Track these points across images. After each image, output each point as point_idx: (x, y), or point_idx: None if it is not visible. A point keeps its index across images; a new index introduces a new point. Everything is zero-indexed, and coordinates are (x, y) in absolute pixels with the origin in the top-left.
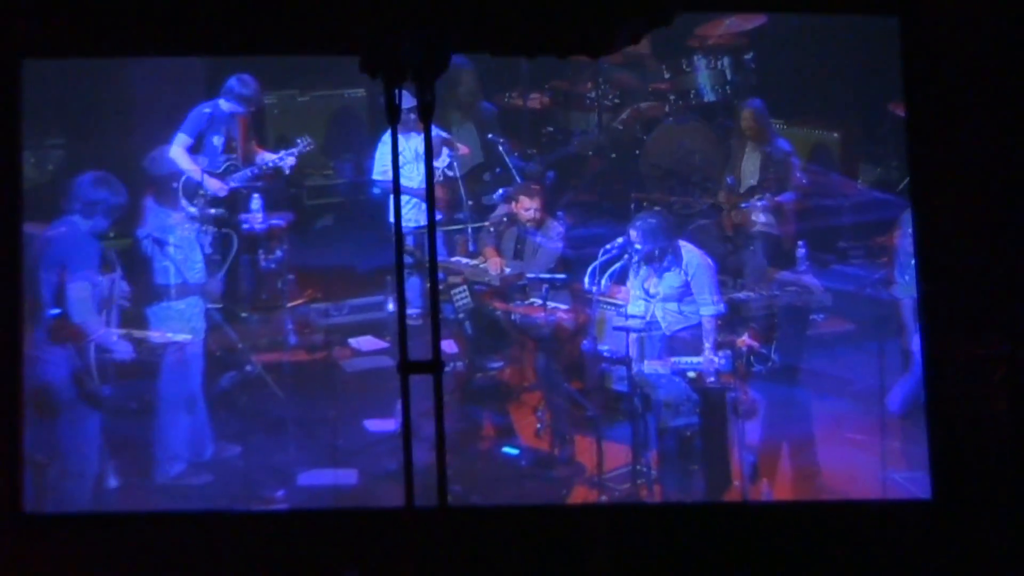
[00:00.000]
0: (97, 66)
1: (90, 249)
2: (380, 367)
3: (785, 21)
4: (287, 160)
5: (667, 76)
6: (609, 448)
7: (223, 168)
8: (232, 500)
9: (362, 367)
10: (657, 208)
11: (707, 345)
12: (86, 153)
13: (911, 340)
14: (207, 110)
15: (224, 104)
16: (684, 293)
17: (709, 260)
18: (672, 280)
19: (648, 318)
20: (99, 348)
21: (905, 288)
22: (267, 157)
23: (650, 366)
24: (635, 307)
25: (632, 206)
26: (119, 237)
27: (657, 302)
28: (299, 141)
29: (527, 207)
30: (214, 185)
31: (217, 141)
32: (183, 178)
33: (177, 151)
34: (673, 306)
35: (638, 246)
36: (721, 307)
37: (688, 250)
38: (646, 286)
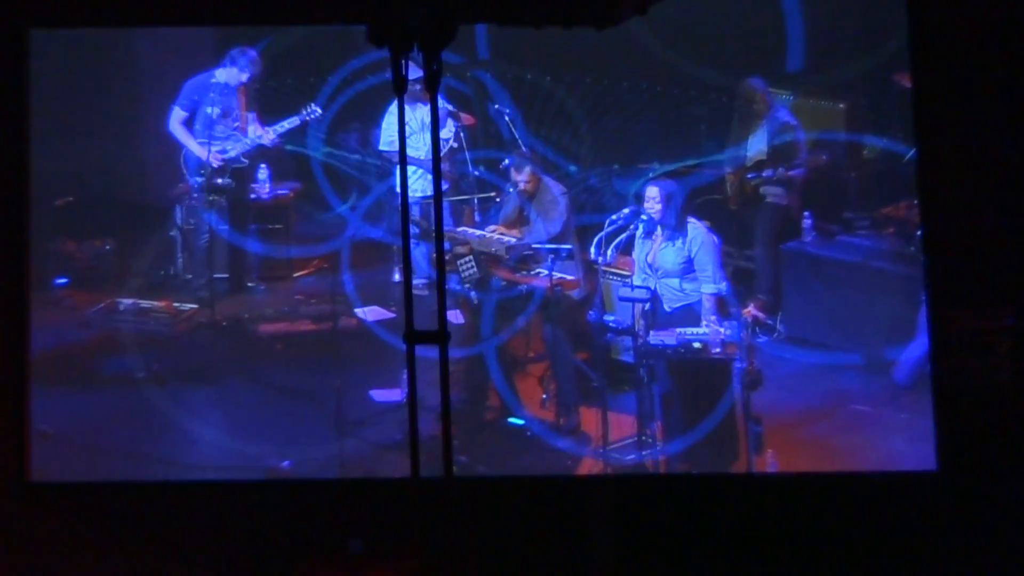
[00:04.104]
0: (104, 36)
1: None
2: (386, 337)
3: None
4: (291, 124)
5: None
6: (615, 418)
7: (224, 139)
8: (238, 470)
9: (368, 337)
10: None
11: (704, 323)
12: (93, 123)
13: None
14: (203, 81)
15: (221, 74)
16: (685, 270)
17: (714, 237)
18: (673, 255)
19: (653, 288)
20: (106, 318)
21: None
22: (275, 128)
23: (656, 336)
24: (640, 278)
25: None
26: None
27: (658, 277)
28: (304, 109)
29: (519, 179)
30: (211, 156)
31: (213, 112)
32: (183, 151)
33: (175, 125)
34: (674, 282)
35: (656, 207)
36: (723, 286)
37: (694, 226)
38: (648, 260)
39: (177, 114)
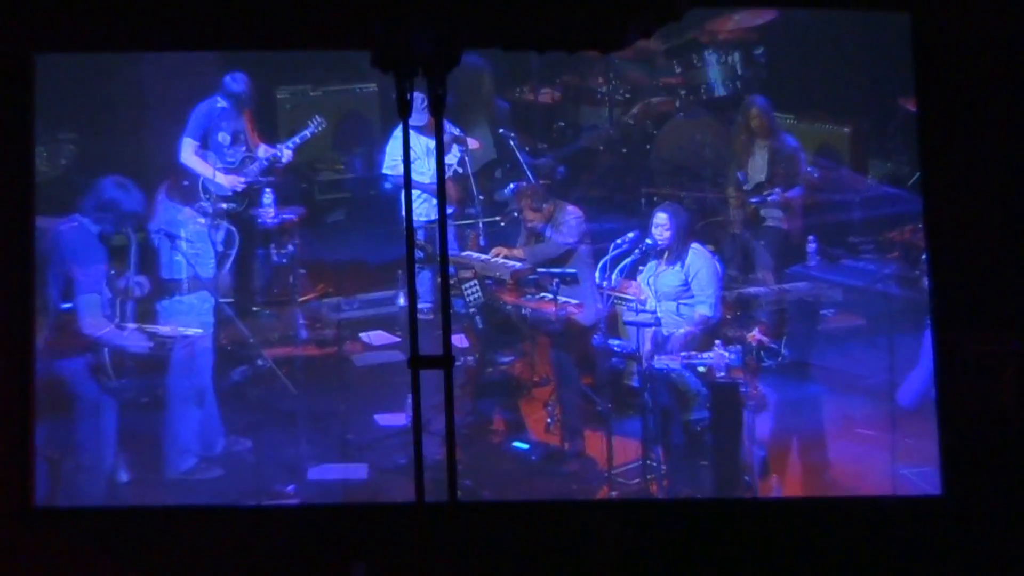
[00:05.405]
0: (109, 61)
1: (97, 253)
2: (391, 361)
3: (795, 16)
4: (302, 138)
5: (678, 71)
6: (619, 443)
7: (239, 163)
8: (242, 495)
9: (373, 361)
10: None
11: (680, 332)
12: (98, 148)
13: None
14: (209, 108)
15: (220, 101)
16: (681, 293)
17: (716, 264)
18: (671, 278)
19: (656, 312)
20: (111, 348)
21: None
22: (287, 144)
23: (660, 361)
24: (651, 303)
25: (643, 201)
26: (130, 231)
27: (657, 300)
28: (310, 122)
29: (531, 219)
30: (231, 181)
31: (223, 138)
32: (201, 178)
33: (188, 155)
34: (671, 305)
35: (665, 234)
36: (716, 313)
37: (696, 250)
38: (650, 283)
39: (190, 144)
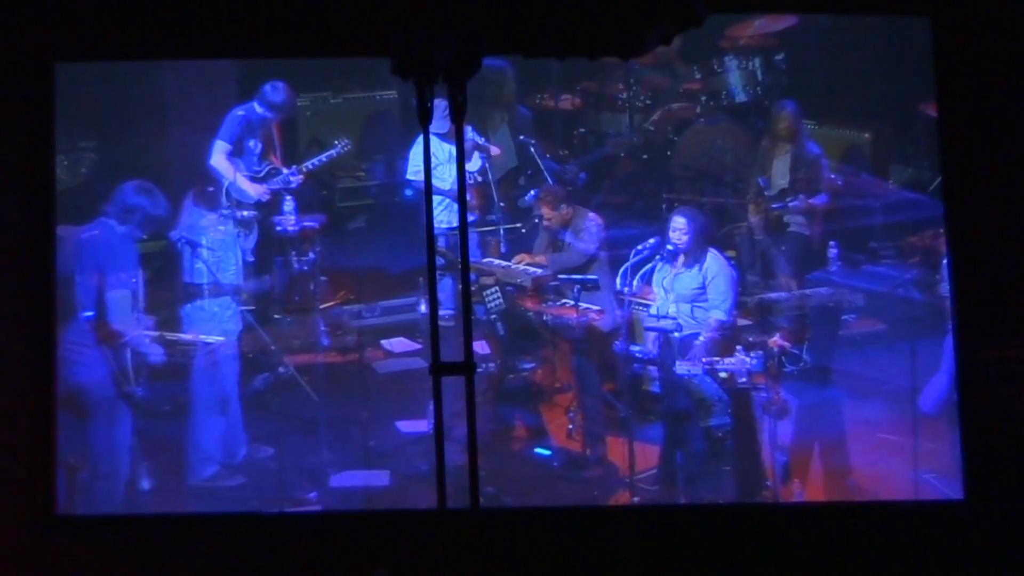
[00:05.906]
0: (129, 69)
1: (127, 252)
2: (412, 368)
3: (816, 22)
4: (328, 157)
5: (698, 77)
6: (641, 449)
7: (264, 172)
8: (264, 502)
9: (394, 368)
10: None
11: (700, 340)
12: (118, 156)
13: None
14: (241, 113)
15: (258, 108)
16: (697, 296)
17: (732, 270)
18: (687, 280)
19: (676, 318)
20: (133, 351)
21: None
22: (312, 163)
23: (682, 366)
24: (666, 307)
25: (664, 207)
26: (151, 239)
27: (671, 302)
28: (336, 143)
29: (548, 217)
30: (258, 190)
31: (254, 145)
32: (227, 183)
33: (219, 159)
34: (685, 308)
35: (683, 238)
36: (729, 318)
37: (714, 255)
38: (664, 284)
39: (222, 147)
